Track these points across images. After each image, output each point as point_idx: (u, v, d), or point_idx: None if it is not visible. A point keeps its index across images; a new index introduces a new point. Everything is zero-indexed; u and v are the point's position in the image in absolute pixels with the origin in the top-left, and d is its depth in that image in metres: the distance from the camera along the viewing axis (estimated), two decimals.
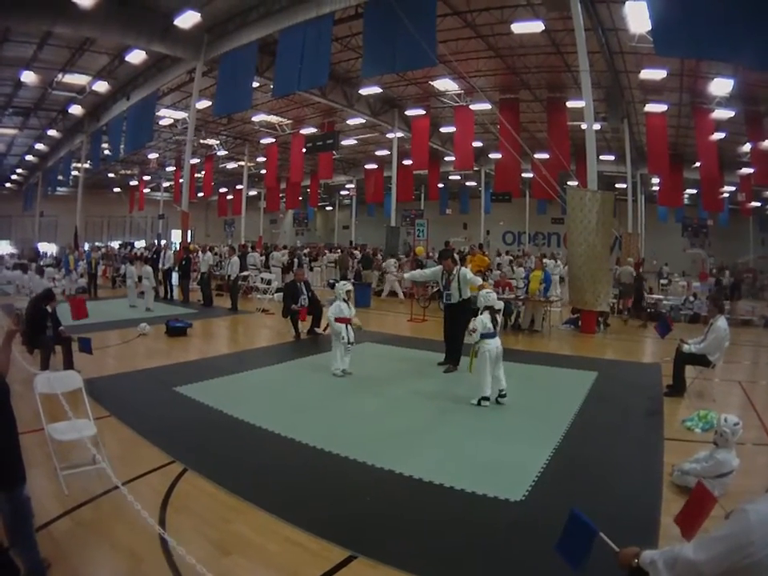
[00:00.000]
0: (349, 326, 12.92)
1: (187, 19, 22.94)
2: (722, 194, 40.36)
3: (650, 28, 17.41)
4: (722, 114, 27.30)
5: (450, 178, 53.64)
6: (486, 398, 10.69)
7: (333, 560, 5.32)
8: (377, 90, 30.85)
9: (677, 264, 40.42)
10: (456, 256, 17.41)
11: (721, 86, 24.64)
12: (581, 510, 3.84)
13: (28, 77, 27.95)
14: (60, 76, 29.40)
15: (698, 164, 32.26)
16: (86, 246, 43.59)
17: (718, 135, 29.25)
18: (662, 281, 30.95)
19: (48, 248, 56.44)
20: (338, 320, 12.88)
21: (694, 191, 43.29)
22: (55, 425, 7.07)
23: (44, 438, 6.96)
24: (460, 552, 5.57)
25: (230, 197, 61.55)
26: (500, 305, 12.47)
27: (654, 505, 6.49)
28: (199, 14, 22.54)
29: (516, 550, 5.66)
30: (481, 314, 11.38)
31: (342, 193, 69.79)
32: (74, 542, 5.62)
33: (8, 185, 58.10)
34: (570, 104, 28.37)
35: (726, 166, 35.19)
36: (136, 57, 26.65)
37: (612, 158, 39.57)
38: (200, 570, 4.60)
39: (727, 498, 6.26)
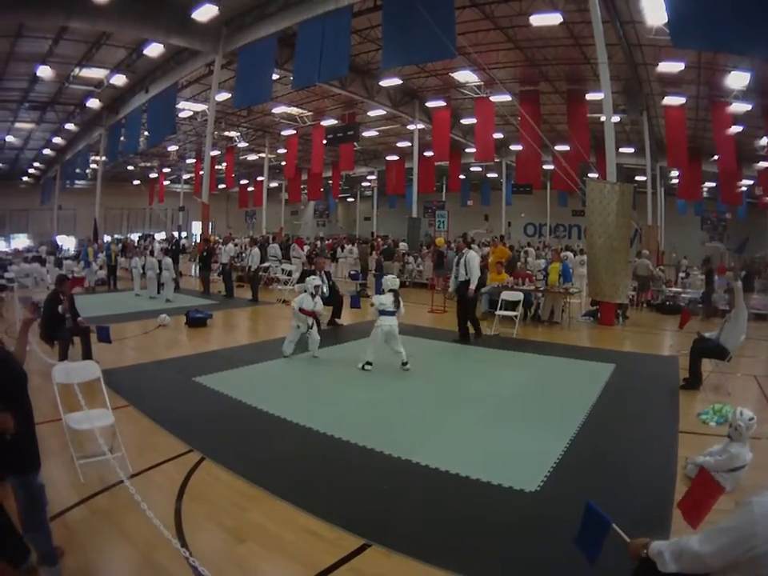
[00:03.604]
0: (312, 319, 13.55)
1: (204, 12, 22.94)
2: (740, 187, 40.09)
3: (666, 20, 17.38)
4: (739, 107, 27.11)
5: (471, 169, 53.47)
6: (369, 363, 12.29)
7: (347, 548, 5.35)
8: (397, 81, 30.71)
9: (696, 257, 40.17)
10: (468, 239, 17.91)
11: (738, 79, 24.44)
12: (595, 501, 3.86)
13: (44, 71, 27.99)
14: (77, 70, 29.41)
15: (716, 157, 32.21)
16: (106, 238, 43.70)
17: (736, 129, 29.14)
18: (681, 274, 30.77)
19: (67, 241, 56.63)
20: (302, 311, 13.33)
21: (713, 184, 43.07)
22: (72, 414, 7.08)
23: (61, 428, 6.98)
24: (474, 542, 5.56)
25: (250, 188, 61.55)
26: (395, 283, 13.22)
27: (667, 497, 6.43)
28: (216, 7, 22.53)
29: (530, 541, 5.64)
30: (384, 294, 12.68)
31: (364, 184, 69.74)
32: (89, 530, 5.66)
33: (25, 179, 58.20)
34: (589, 96, 28.21)
35: (743, 159, 34.82)
36: (154, 50, 26.73)
37: (632, 150, 39.40)
38: (214, 559, 4.63)
39: (739, 493, 6.33)
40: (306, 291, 13.64)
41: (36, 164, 54.39)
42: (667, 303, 23.00)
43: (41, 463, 4.88)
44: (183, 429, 8.49)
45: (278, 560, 5.29)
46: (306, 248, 35.61)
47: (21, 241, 57.46)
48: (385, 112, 36.91)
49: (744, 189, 42.18)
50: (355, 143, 38.41)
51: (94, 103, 35.56)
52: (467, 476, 6.95)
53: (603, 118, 19.92)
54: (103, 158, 41.21)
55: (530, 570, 5.18)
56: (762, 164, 35.63)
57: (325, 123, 38.04)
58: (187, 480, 6.81)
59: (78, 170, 45.96)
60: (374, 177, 61.45)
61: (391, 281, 13.08)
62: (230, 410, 9.57)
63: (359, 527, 5.72)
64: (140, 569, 5.15)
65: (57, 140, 45.06)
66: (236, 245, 33.77)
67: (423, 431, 8.69)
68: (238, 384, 11.13)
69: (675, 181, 42.85)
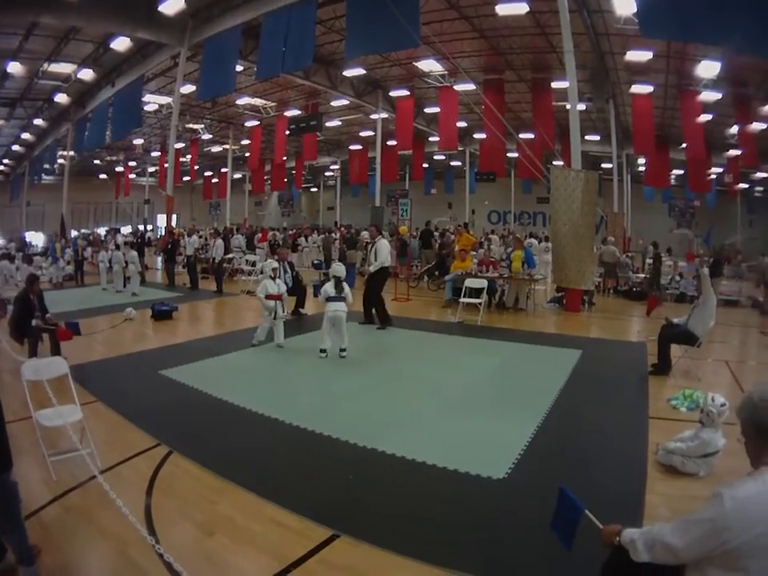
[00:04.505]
0: (278, 303, 13.66)
1: (171, 5, 22.85)
2: (710, 175, 40.36)
3: (635, 10, 17.49)
4: (709, 96, 27.30)
5: (435, 158, 53.80)
6: (323, 351, 12.59)
7: (316, 539, 5.38)
8: (361, 71, 30.84)
9: (663, 244, 40.38)
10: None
11: (708, 69, 24.58)
12: (565, 488, 3.89)
13: (14, 68, 27.80)
14: (46, 65, 29.21)
15: (684, 145, 32.39)
16: (73, 233, 43.44)
17: (705, 117, 29.33)
18: (648, 260, 30.98)
19: (35, 237, 56.22)
20: (268, 297, 13.48)
21: (681, 172, 43.40)
22: (42, 411, 7.06)
23: (33, 426, 6.95)
24: (441, 530, 5.61)
25: (215, 180, 61.33)
26: (340, 271, 13.38)
27: (638, 483, 6.52)
28: (183, 0, 22.37)
29: (497, 529, 5.68)
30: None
31: (327, 174, 69.68)
32: (63, 528, 5.65)
33: None
34: (555, 84, 28.29)
35: (713, 147, 35.14)
36: (121, 44, 26.66)
37: (597, 138, 39.42)
38: (184, 553, 4.65)
39: (713, 479, 6.43)
40: (265, 276, 13.96)
41: (5, 161, 53.92)
42: (634, 289, 23.16)
43: (12, 462, 4.85)
44: (151, 422, 8.48)
45: (247, 552, 5.30)
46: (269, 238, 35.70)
47: None
48: (348, 102, 36.98)
49: (713, 177, 42.37)
50: (318, 133, 38.52)
51: (61, 98, 35.40)
52: (434, 464, 6.99)
53: (569, 106, 19.99)
54: (71, 153, 40.95)
55: (498, 558, 5.20)
56: (732, 152, 35.79)
57: (288, 114, 38.04)
58: (156, 474, 6.81)
59: (46, 165, 45.69)
60: (337, 166, 61.34)
61: (335, 269, 13.32)
62: (197, 403, 9.59)
63: (327, 518, 5.74)
64: (115, 565, 5.15)
65: (25, 136, 44.75)
66: (200, 237, 33.58)
67: (390, 420, 8.75)
68: (204, 376, 11.15)
69: (642, 168, 42.90)
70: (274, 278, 13.82)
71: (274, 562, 5.05)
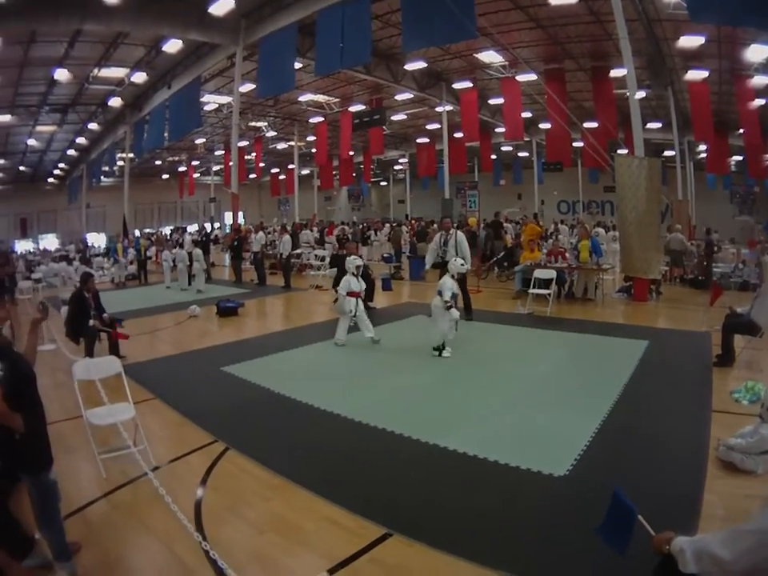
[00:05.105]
0: (359, 300, 13.32)
1: (221, 6, 22.79)
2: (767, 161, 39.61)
3: None
4: (761, 80, 26.74)
5: (502, 149, 53.36)
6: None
7: (368, 537, 5.28)
8: (422, 64, 30.45)
9: (726, 231, 39.71)
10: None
11: (758, 53, 24.09)
12: (624, 486, 3.72)
13: (61, 75, 27.88)
14: (96, 71, 29.35)
15: (741, 131, 31.91)
16: (137, 233, 43.93)
17: (759, 102, 28.77)
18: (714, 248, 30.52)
19: (97, 238, 57.11)
20: (350, 294, 13.14)
21: (741, 158, 42.69)
22: (93, 410, 7.08)
23: (85, 425, 6.92)
24: (497, 530, 5.48)
25: (282, 177, 61.70)
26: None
27: (697, 481, 6.29)
28: (233, 1, 22.39)
29: (555, 529, 5.49)
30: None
31: (396, 168, 69.57)
32: (108, 525, 5.67)
33: (51, 180, 58.14)
34: (613, 72, 27.83)
35: None
36: (173, 46, 26.69)
37: (659, 125, 38.85)
38: (233, 551, 4.58)
39: None
40: (348, 273, 13.52)
41: (61, 165, 54.31)
42: (700, 278, 22.67)
43: (53, 460, 4.89)
44: (208, 419, 8.49)
45: (297, 551, 5.23)
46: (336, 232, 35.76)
47: (49, 241, 57.85)
48: (412, 95, 36.74)
49: None
50: (384, 127, 38.56)
51: (116, 102, 35.56)
52: (496, 461, 6.84)
53: (628, 94, 19.69)
54: (129, 155, 41.32)
55: (555, 560, 5.05)
56: None
57: (352, 109, 37.99)
58: (210, 471, 6.80)
59: (105, 168, 45.86)
60: (405, 160, 61.05)
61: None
62: (257, 399, 9.57)
63: (382, 516, 5.65)
64: (159, 562, 5.12)
65: (80, 140, 45.10)
66: (268, 233, 33.66)
67: (453, 415, 8.59)
68: (266, 372, 11.14)
69: (703, 155, 42.41)
70: (356, 276, 13.54)
71: (323, 560, 4.97)
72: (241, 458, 7.16)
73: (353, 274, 13.39)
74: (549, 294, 17.02)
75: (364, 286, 13.84)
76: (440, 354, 11.92)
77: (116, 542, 5.36)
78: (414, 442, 7.50)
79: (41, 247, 53.41)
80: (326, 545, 5.24)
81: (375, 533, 5.36)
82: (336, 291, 14.57)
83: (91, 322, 11.59)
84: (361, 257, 17.10)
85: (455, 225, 16.98)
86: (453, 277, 12.19)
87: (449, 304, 11.81)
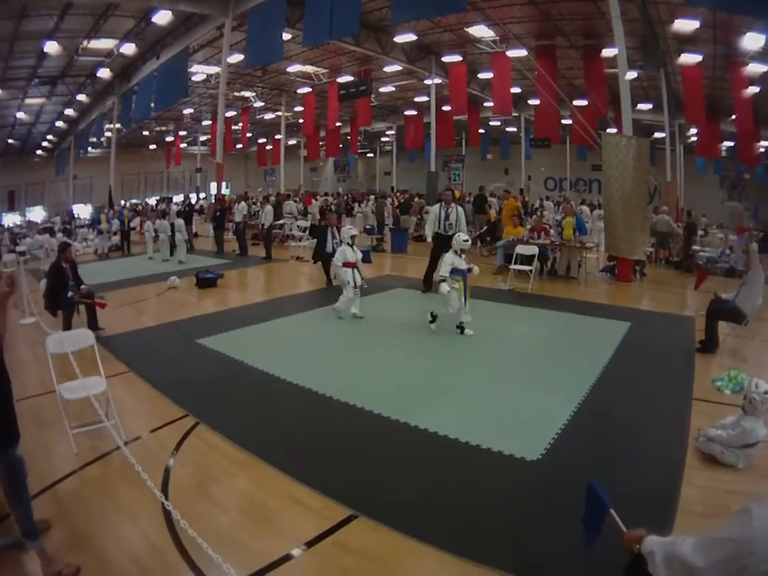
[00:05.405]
0: (355, 270, 13.13)
1: None
2: (759, 148, 39.62)
3: None
4: (755, 68, 26.63)
5: (491, 123, 53.16)
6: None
7: (333, 519, 5.25)
8: (412, 37, 30.24)
9: (714, 216, 39.86)
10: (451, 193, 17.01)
11: (753, 41, 23.94)
12: (599, 474, 3.68)
13: (51, 47, 27.62)
14: (85, 42, 29.17)
15: (734, 117, 31.91)
16: (123, 204, 43.81)
17: (753, 89, 28.69)
18: (699, 232, 30.45)
19: (83, 209, 57.02)
20: (345, 265, 13.05)
21: (732, 144, 42.74)
22: (66, 384, 7.05)
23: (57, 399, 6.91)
24: (465, 516, 5.41)
25: (269, 147, 61.40)
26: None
27: (675, 472, 6.22)
28: None
29: (523, 516, 5.43)
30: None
31: (383, 139, 69.69)
32: (78, 501, 5.65)
33: (39, 152, 57.92)
34: (605, 52, 27.73)
35: (762, 120, 34.50)
36: (162, 17, 26.53)
37: (650, 106, 38.80)
38: (196, 529, 4.51)
39: (753, 471, 6.19)
40: (343, 244, 13.45)
41: (49, 137, 54.13)
42: (678, 259, 22.68)
43: (20, 436, 4.82)
44: (180, 392, 8.46)
45: (260, 531, 5.16)
46: (317, 203, 35.98)
47: (36, 213, 57.65)
48: (401, 68, 36.61)
49: (762, 150, 41.66)
50: (372, 98, 38.76)
51: (104, 73, 35.38)
52: (467, 441, 6.79)
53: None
54: (117, 126, 41.26)
55: (521, 548, 4.99)
56: None
57: (340, 80, 37.73)
58: (179, 446, 6.76)
59: (92, 139, 46.02)
60: (392, 132, 61.16)
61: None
62: (230, 372, 9.54)
63: (347, 497, 5.60)
64: (126, 538, 5.08)
65: (69, 112, 44.96)
66: (253, 203, 33.69)
67: (427, 392, 8.55)
68: (242, 345, 11.10)
69: (694, 139, 42.47)
70: (351, 246, 13.34)
71: (285, 542, 4.94)
72: (210, 432, 7.13)
73: (348, 244, 13.26)
74: (530, 271, 17.03)
75: (360, 255, 13.63)
76: (432, 322, 12.04)
77: (85, 520, 5.32)
78: (384, 420, 7.46)
79: (27, 219, 53.14)
80: (289, 526, 5.20)
81: (340, 514, 5.31)
82: (314, 263, 14.47)
83: (69, 293, 11.49)
84: (340, 228, 17.04)
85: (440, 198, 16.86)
86: (456, 252, 12.03)
87: (442, 278, 11.85)
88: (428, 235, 15.80)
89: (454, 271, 11.80)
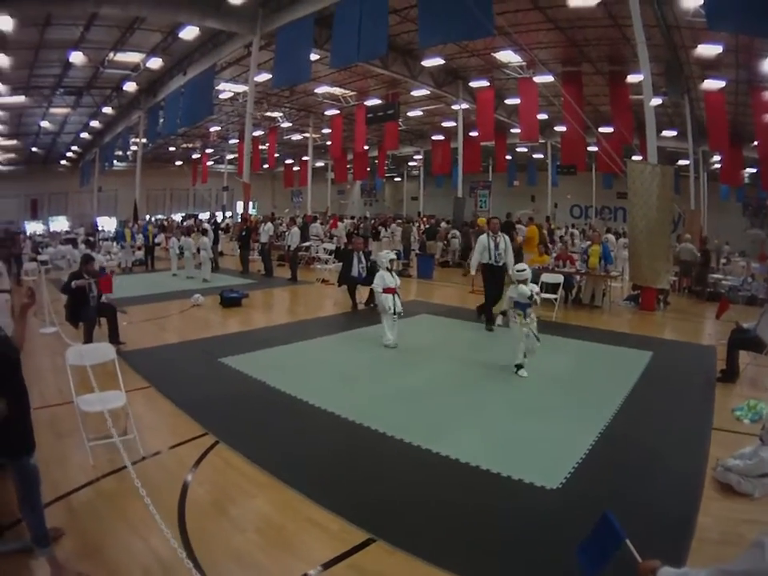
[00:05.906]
0: (395, 296, 12.78)
1: None
2: None
3: (702, 2, 17.09)
4: None
5: (518, 150, 53.23)
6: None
7: (351, 542, 5.19)
8: (439, 61, 30.35)
9: (737, 244, 39.69)
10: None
11: None
12: (617, 502, 3.67)
13: (77, 57, 27.73)
14: (111, 55, 29.37)
15: (756, 143, 31.65)
16: (148, 219, 44.02)
17: None
18: (722, 260, 30.26)
19: (108, 222, 56.95)
20: (385, 290, 12.74)
21: (754, 170, 42.54)
22: (85, 396, 7.05)
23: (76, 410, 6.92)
24: (482, 542, 5.37)
25: (296, 168, 61.31)
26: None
27: (693, 501, 6.14)
28: None
29: (542, 545, 5.36)
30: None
31: (411, 164, 69.41)
32: (92, 512, 5.67)
33: (63, 162, 58.25)
34: (631, 78, 27.74)
35: None
36: (189, 33, 26.69)
37: (674, 133, 38.69)
38: (211, 549, 4.53)
39: None
40: (380, 269, 13.20)
41: (74, 147, 54.44)
42: (708, 290, 22.57)
43: (35, 445, 4.89)
44: (201, 411, 8.43)
45: (276, 552, 5.13)
46: (342, 226, 35.96)
47: (60, 223, 57.92)
48: (428, 92, 36.62)
49: None
50: (399, 122, 38.71)
51: (131, 86, 35.58)
52: (488, 469, 6.73)
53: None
54: (143, 140, 41.56)
55: None
56: None
57: (368, 103, 37.92)
58: (198, 464, 6.75)
59: (118, 152, 46.28)
60: (420, 156, 61.13)
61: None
62: (252, 392, 9.51)
63: (365, 521, 5.56)
64: (136, 554, 5.06)
65: (94, 123, 45.17)
66: (279, 224, 33.92)
67: (450, 419, 8.48)
68: (265, 365, 11.06)
69: (717, 166, 42.27)
70: (390, 270, 13.15)
71: (301, 564, 4.91)
72: (229, 452, 7.10)
73: (387, 269, 13.02)
74: (555, 299, 16.97)
75: (398, 281, 13.27)
76: (517, 372, 11.01)
77: (97, 532, 5.32)
78: (405, 445, 7.39)
79: (50, 229, 53.33)
80: (306, 547, 5.17)
81: (358, 537, 5.27)
82: (339, 286, 14.40)
83: (92, 303, 11.54)
84: (370, 252, 16.95)
85: (467, 225, 16.75)
86: (514, 283, 11.29)
87: (513, 317, 11.14)
88: (473, 266, 15.23)
89: (517, 304, 11.19)
